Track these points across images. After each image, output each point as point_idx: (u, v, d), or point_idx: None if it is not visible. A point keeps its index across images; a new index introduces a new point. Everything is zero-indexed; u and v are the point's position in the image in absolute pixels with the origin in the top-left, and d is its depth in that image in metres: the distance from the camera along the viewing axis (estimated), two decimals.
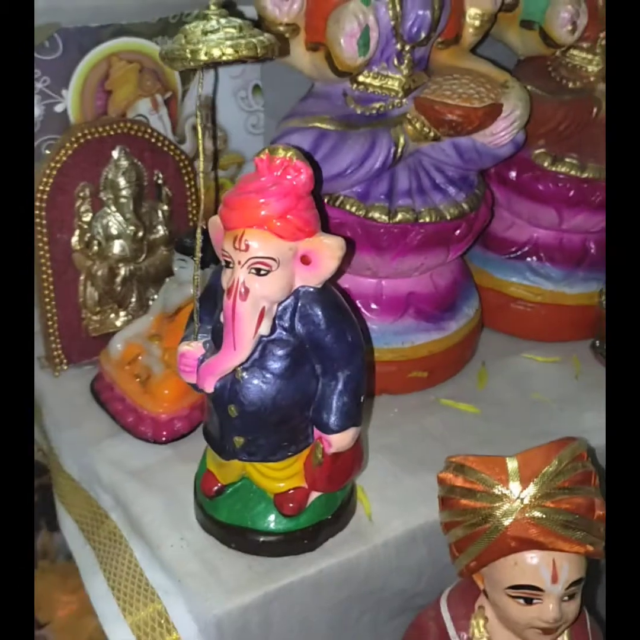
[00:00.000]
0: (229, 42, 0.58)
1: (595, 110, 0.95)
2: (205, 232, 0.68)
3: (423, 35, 0.81)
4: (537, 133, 0.92)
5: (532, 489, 0.63)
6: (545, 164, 0.94)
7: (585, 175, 0.94)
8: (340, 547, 0.74)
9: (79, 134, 0.88)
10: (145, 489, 0.80)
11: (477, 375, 0.97)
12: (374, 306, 0.89)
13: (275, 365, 0.66)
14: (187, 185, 0.96)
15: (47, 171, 0.87)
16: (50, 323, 0.93)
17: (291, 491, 0.71)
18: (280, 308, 0.65)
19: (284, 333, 0.66)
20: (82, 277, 0.93)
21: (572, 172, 0.94)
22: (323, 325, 0.65)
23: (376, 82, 0.84)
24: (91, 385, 0.92)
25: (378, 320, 0.89)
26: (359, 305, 0.88)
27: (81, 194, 0.90)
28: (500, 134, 0.84)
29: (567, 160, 0.94)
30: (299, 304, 0.65)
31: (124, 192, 0.92)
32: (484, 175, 0.93)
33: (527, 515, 0.63)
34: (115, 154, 0.90)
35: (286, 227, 0.62)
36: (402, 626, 0.74)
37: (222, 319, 0.65)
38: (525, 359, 1.00)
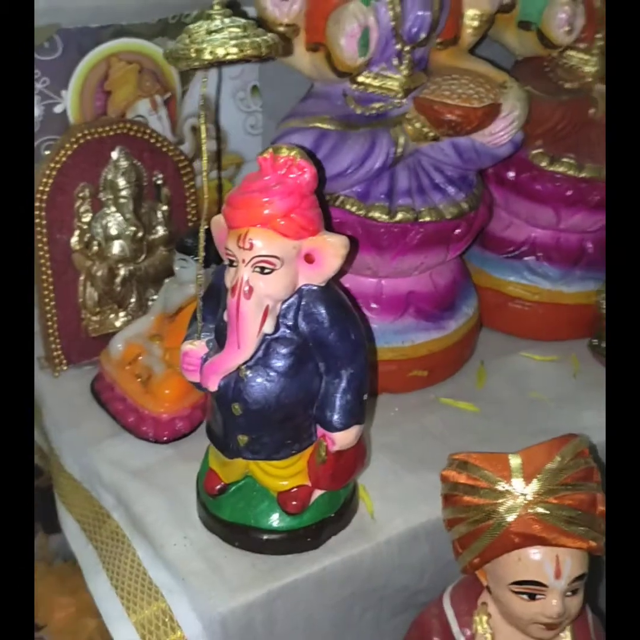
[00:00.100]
0: (233, 42, 0.59)
1: (592, 110, 0.95)
2: (207, 231, 0.68)
3: (423, 35, 0.82)
4: (535, 133, 0.93)
5: (535, 485, 0.63)
6: (543, 164, 0.95)
7: (582, 175, 0.94)
8: (343, 545, 0.74)
9: (79, 135, 0.88)
10: (147, 488, 0.80)
11: (476, 374, 0.98)
12: (374, 305, 0.89)
13: (279, 363, 0.66)
14: (187, 186, 0.97)
15: (47, 172, 0.87)
16: (49, 323, 0.93)
17: (294, 489, 0.71)
18: (284, 306, 0.65)
19: (288, 331, 0.66)
20: (81, 278, 0.94)
21: (570, 172, 0.94)
22: (327, 323, 0.66)
23: (376, 83, 0.84)
24: (91, 385, 0.92)
25: (378, 320, 0.89)
26: (359, 304, 0.88)
27: (81, 195, 0.90)
28: (499, 133, 0.85)
29: (565, 160, 0.95)
30: (303, 303, 0.65)
31: (123, 193, 0.92)
32: (482, 175, 0.94)
33: (530, 511, 0.63)
34: (114, 154, 0.90)
35: (290, 226, 0.62)
36: (405, 623, 0.75)
37: (225, 318, 0.66)
38: (524, 358, 1.01)
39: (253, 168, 0.92)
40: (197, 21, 0.61)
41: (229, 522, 0.73)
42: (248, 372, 0.66)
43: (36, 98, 0.88)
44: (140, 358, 0.88)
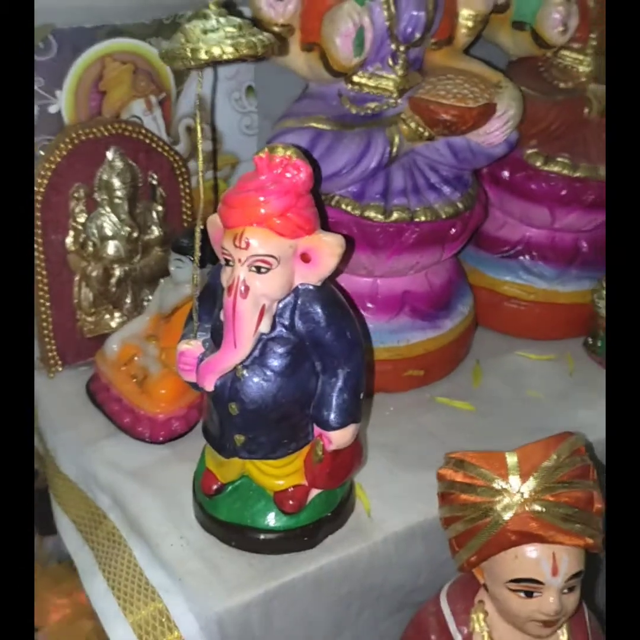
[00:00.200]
0: (229, 41, 0.59)
1: (586, 110, 0.96)
2: (203, 231, 0.68)
3: (417, 35, 0.82)
4: (529, 133, 0.93)
5: (531, 483, 0.64)
6: (538, 164, 0.95)
7: (577, 174, 0.94)
8: (340, 544, 0.74)
9: (73, 135, 0.88)
10: (143, 488, 0.80)
11: (472, 374, 0.98)
12: (369, 305, 0.90)
13: (275, 362, 0.66)
14: (182, 186, 0.97)
15: (42, 172, 0.87)
16: (44, 324, 0.93)
17: (291, 489, 0.72)
18: (280, 306, 0.65)
19: (284, 331, 0.66)
20: (76, 278, 0.94)
21: (564, 172, 0.95)
22: (323, 322, 0.66)
23: (371, 83, 0.84)
24: (87, 386, 0.92)
25: (374, 319, 0.89)
26: (355, 304, 0.89)
27: (76, 195, 0.90)
28: (494, 133, 0.85)
29: (559, 159, 0.95)
30: (299, 302, 0.65)
31: (118, 193, 0.92)
32: (477, 175, 0.94)
33: (527, 509, 0.63)
34: (109, 154, 0.91)
35: (286, 225, 0.62)
36: (402, 622, 0.75)
37: (222, 317, 0.66)
38: (519, 357, 1.01)
39: (248, 168, 0.92)
40: (193, 21, 0.61)
41: (226, 522, 0.73)
42: (245, 372, 0.66)
43: None
44: (136, 358, 0.88)
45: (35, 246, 0.89)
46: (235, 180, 1.05)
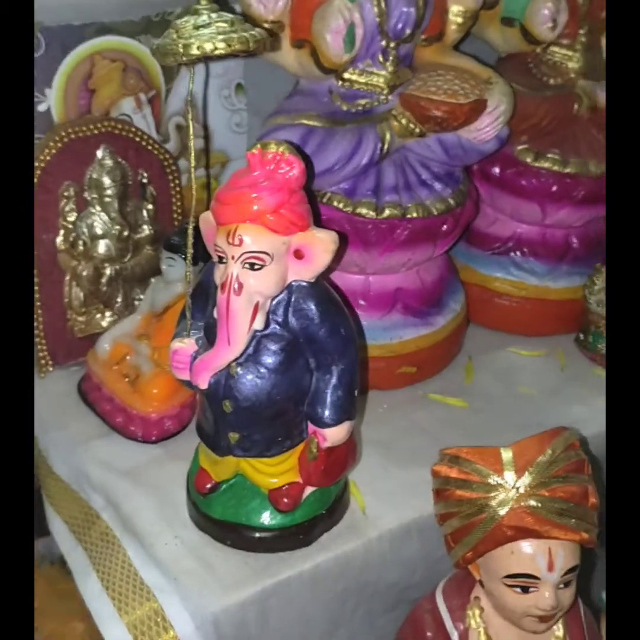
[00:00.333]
0: (221, 37, 0.58)
1: (576, 106, 0.96)
2: (195, 229, 0.68)
3: (408, 31, 0.82)
4: (520, 129, 0.93)
5: (527, 478, 0.63)
6: (528, 160, 0.95)
7: (567, 170, 0.94)
8: (335, 542, 0.74)
9: (63, 133, 0.87)
10: (136, 488, 0.79)
11: (464, 370, 0.98)
12: (361, 302, 0.89)
13: (269, 360, 0.66)
14: (172, 185, 0.96)
15: None
16: (35, 324, 0.92)
17: (286, 486, 0.71)
18: (273, 303, 0.65)
19: (278, 328, 0.66)
20: (67, 278, 0.93)
21: (555, 168, 0.95)
22: (317, 319, 0.66)
23: (361, 79, 0.84)
24: (78, 386, 0.92)
25: (366, 317, 0.89)
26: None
27: (65, 194, 0.90)
28: (485, 129, 0.85)
29: (550, 155, 0.95)
30: (293, 299, 0.65)
31: (108, 192, 0.91)
32: (467, 171, 0.94)
33: (522, 504, 0.63)
34: (99, 153, 0.90)
35: (279, 222, 0.62)
36: (397, 619, 0.74)
37: (215, 315, 0.65)
38: (511, 353, 1.01)
39: (238, 166, 0.93)
40: (183, 17, 0.61)
41: (221, 520, 0.73)
42: (238, 369, 0.66)
43: None
44: (127, 358, 0.87)
45: None
46: (225, 178, 1.05)
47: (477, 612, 0.68)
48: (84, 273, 0.93)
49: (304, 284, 0.65)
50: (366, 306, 0.90)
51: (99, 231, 0.92)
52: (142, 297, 0.94)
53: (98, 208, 0.92)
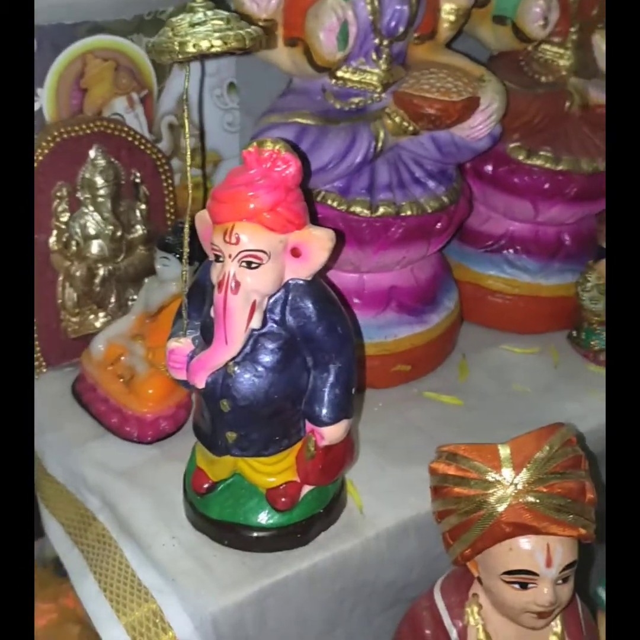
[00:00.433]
0: (217, 34, 0.58)
1: (567, 103, 0.96)
2: (190, 228, 0.67)
3: (401, 29, 0.82)
4: (512, 127, 0.93)
5: (524, 475, 0.64)
6: (521, 158, 0.96)
7: (559, 168, 0.95)
8: (332, 541, 0.74)
9: (55, 133, 0.87)
10: (132, 489, 0.79)
11: (458, 368, 0.98)
12: (356, 300, 0.89)
13: (267, 358, 0.66)
14: (165, 184, 0.96)
15: None
16: None
17: (283, 486, 0.71)
18: (271, 301, 0.65)
19: (275, 326, 0.66)
20: (60, 278, 0.92)
21: (547, 165, 0.95)
22: (314, 317, 0.65)
23: (355, 77, 0.84)
24: (72, 387, 0.91)
25: (360, 315, 0.89)
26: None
27: (58, 194, 0.89)
28: (478, 127, 0.85)
29: (542, 153, 0.95)
30: (290, 297, 0.65)
31: (101, 192, 0.91)
32: (460, 169, 0.94)
33: (520, 500, 0.63)
34: (92, 153, 0.90)
35: (276, 220, 0.62)
36: (395, 617, 0.74)
37: (211, 314, 0.65)
38: (505, 351, 1.01)
39: (231, 165, 0.93)
40: (178, 15, 0.61)
41: (218, 520, 0.73)
42: (236, 368, 0.65)
43: None
44: (122, 358, 0.87)
45: None
46: (218, 177, 1.04)
47: (475, 609, 0.68)
48: (77, 273, 0.93)
49: (301, 282, 0.65)
50: (360, 304, 0.90)
51: (92, 231, 0.91)
52: (135, 297, 0.93)
53: (91, 208, 0.91)
